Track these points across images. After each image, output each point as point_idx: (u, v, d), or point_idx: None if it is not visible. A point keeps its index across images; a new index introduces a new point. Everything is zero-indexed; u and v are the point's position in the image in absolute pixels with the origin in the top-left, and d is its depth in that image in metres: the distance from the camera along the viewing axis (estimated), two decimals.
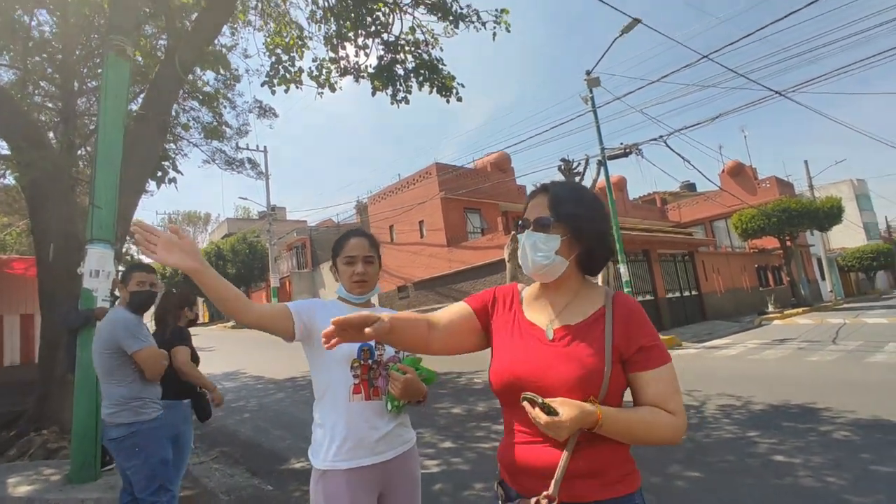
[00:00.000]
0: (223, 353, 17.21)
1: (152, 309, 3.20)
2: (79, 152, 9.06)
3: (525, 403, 1.09)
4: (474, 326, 1.33)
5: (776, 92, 12.59)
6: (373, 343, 1.71)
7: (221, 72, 7.38)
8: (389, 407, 1.70)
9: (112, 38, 4.20)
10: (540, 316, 1.26)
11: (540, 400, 1.06)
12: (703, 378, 7.74)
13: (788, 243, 22.76)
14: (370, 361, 1.71)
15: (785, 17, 9.07)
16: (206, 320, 48.27)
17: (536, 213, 1.25)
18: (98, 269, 3.89)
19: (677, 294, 17.79)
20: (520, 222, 1.30)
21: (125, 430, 2.69)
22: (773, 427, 5.07)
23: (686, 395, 6.80)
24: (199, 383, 3.26)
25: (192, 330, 3.48)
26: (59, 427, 5.26)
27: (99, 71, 6.99)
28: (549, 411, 1.05)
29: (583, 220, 1.22)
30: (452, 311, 1.34)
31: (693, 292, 18.69)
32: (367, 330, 1.06)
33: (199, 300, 49.66)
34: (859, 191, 44.77)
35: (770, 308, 19.63)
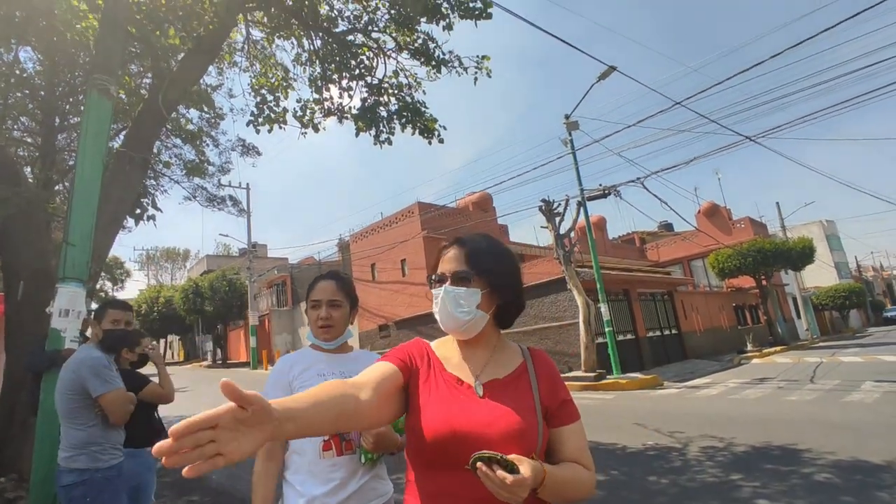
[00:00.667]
0: (196, 394, 16.65)
1: None
2: (56, 188, 8.95)
3: (479, 464, 0.96)
4: (398, 385, 1.16)
5: (747, 137, 13.11)
6: None
7: (206, 111, 7.42)
8: (363, 460, 1.63)
9: (95, 76, 4.22)
10: (462, 372, 1.20)
11: (499, 456, 0.96)
12: (686, 419, 7.71)
13: (764, 282, 23.24)
14: None
15: (751, 67, 9.53)
16: (182, 359, 46.94)
17: (453, 267, 1.20)
18: (68, 309, 3.77)
19: (657, 333, 17.89)
20: (434, 277, 1.24)
21: (77, 476, 2.53)
22: (755, 469, 5.04)
23: (669, 436, 6.75)
24: (168, 387, 3.15)
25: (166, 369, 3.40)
26: (18, 475, 4.98)
27: (81, 108, 6.98)
28: (511, 469, 0.96)
29: (500, 274, 1.21)
30: (377, 372, 1.14)
31: (673, 331, 18.82)
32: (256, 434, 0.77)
33: (150, 340, 48.38)
34: (829, 231, 46.22)
35: (749, 347, 19.82)
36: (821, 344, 23.97)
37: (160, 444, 0.68)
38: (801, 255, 23.03)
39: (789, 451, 5.63)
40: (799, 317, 30.03)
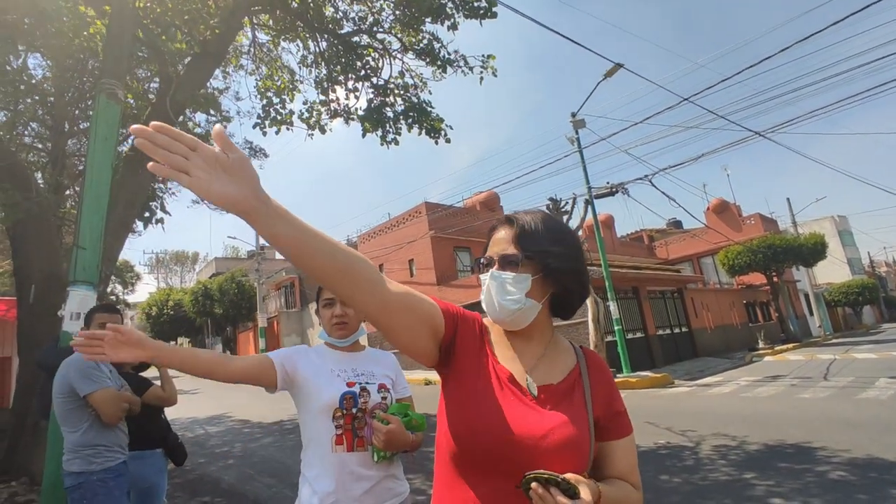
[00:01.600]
0: (207, 396, 16.76)
1: None
2: (67, 192, 9.04)
3: (534, 485, 0.85)
4: (434, 329, 1.02)
5: (756, 133, 12.98)
6: (356, 390, 1.66)
7: (212, 114, 7.47)
8: (376, 458, 1.61)
9: (104, 81, 4.25)
10: (514, 367, 1.05)
11: (559, 478, 0.85)
12: (698, 417, 7.64)
13: (775, 279, 23.02)
14: (354, 410, 1.64)
15: (759, 62, 9.44)
16: None
17: (501, 249, 1.06)
18: (79, 312, 3.80)
19: (668, 331, 17.78)
20: (482, 260, 1.09)
21: (74, 479, 2.54)
22: (769, 468, 4.98)
23: (681, 435, 6.70)
24: (170, 389, 3.14)
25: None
26: (30, 478, 5.03)
27: (90, 113, 7.05)
28: (572, 493, 0.85)
29: (555, 256, 1.03)
30: (416, 294, 1.03)
31: (683, 329, 18.69)
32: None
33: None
34: (841, 227, 45.70)
35: (760, 344, 19.65)
36: (834, 341, 23.71)
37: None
38: (812, 251, 22.78)
39: (803, 449, 5.56)
40: (811, 313, 29.71)
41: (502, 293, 1.02)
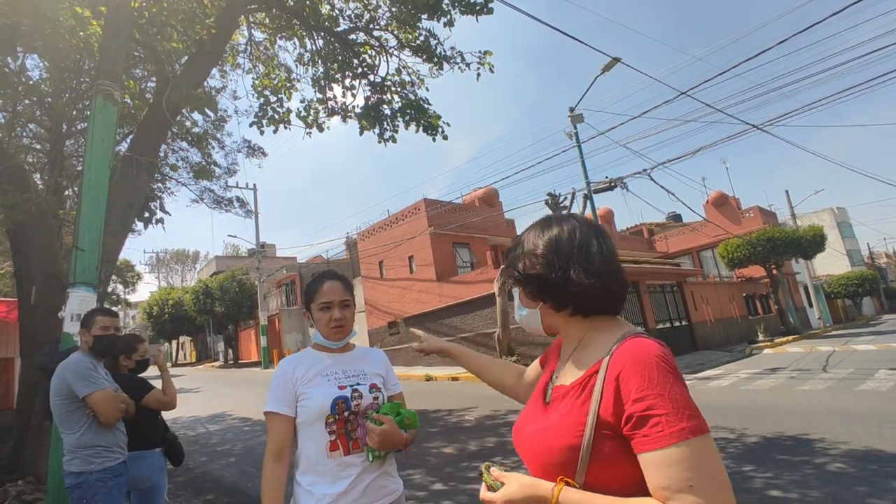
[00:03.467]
0: (209, 395, 16.81)
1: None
2: (66, 193, 9.04)
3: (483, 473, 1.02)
4: (536, 372, 1.38)
5: (754, 126, 12.98)
6: (348, 394, 1.66)
7: (208, 114, 7.47)
8: (371, 458, 1.64)
9: (100, 82, 4.25)
10: (557, 368, 1.14)
11: (486, 471, 1.01)
12: None
13: (774, 272, 23.04)
14: (346, 414, 1.64)
15: (757, 55, 9.43)
16: (194, 360, 47.37)
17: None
18: (79, 313, 3.82)
19: (668, 325, 17.81)
20: None
21: (74, 479, 2.58)
22: (767, 461, 5.01)
23: None
24: (171, 392, 3.17)
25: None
26: (35, 477, 5.06)
27: (87, 114, 7.05)
28: (492, 487, 0.98)
29: (520, 268, 1.09)
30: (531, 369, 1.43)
31: (683, 322, 18.72)
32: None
33: (149, 344, 48.77)
34: (840, 218, 45.72)
35: (760, 337, 19.68)
36: (833, 332, 23.75)
37: None
38: (811, 244, 22.78)
39: (802, 441, 5.59)
40: (811, 305, 29.75)
41: (516, 304, 1.17)
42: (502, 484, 0.97)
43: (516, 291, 1.14)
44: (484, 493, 1.00)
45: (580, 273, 1.01)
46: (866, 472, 4.42)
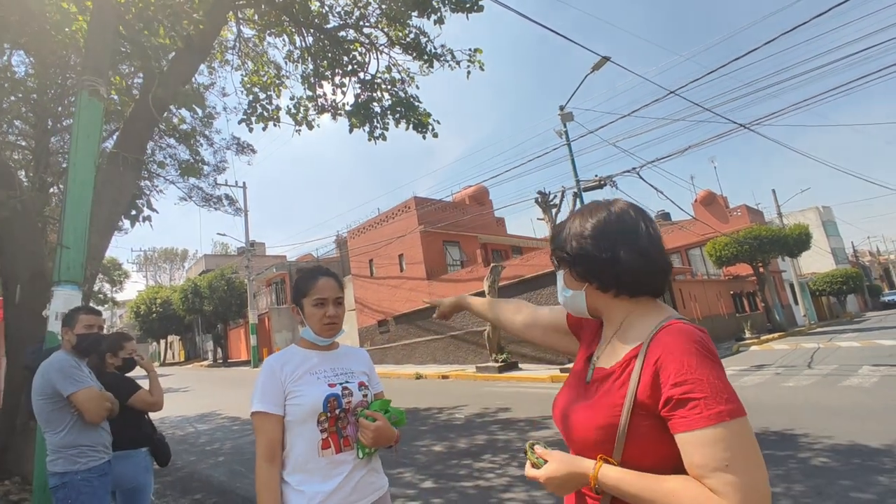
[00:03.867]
0: (197, 394, 16.69)
1: None
2: (51, 190, 8.93)
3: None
4: (563, 327, 1.41)
5: (741, 125, 13.11)
6: (338, 391, 1.66)
7: (197, 110, 7.40)
8: (360, 455, 1.64)
9: (86, 78, 4.20)
10: (598, 349, 1.15)
11: (531, 449, 1.07)
12: None
13: (761, 270, 23.31)
14: (338, 411, 1.64)
15: (745, 54, 9.52)
16: (182, 359, 46.97)
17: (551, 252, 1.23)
18: (64, 312, 3.77)
19: None
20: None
21: (58, 479, 2.55)
22: None
23: None
24: (158, 393, 3.14)
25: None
26: (21, 478, 5.00)
27: (73, 110, 6.96)
28: (535, 465, 1.04)
29: (568, 249, 1.11)
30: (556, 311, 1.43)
31: None
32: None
33: (138, 343, 48.33)
34: (825, 217, 46.34)
35: (747, 334, 19.90)
36: (818, 330, 24.07)
37: None
38: (797, 242, 23.09)
39: (787, 437, 5.67)
40: (796, 303, 30.14)
41: (560, 288, 1.19)
42: (545, 462, 1.03)
43: (561, 273, 1.17)
44: (528, 471, 1.05)
45: (629, 252, 1.04)
46: (850, 467, 4.49)
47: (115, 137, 7.27)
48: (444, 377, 15.20)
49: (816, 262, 40.31)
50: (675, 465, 0.91)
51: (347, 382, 1.70)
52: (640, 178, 14.82)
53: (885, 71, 10.90)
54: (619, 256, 1.04)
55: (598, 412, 0.99)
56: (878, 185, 55.81)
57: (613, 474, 0.93)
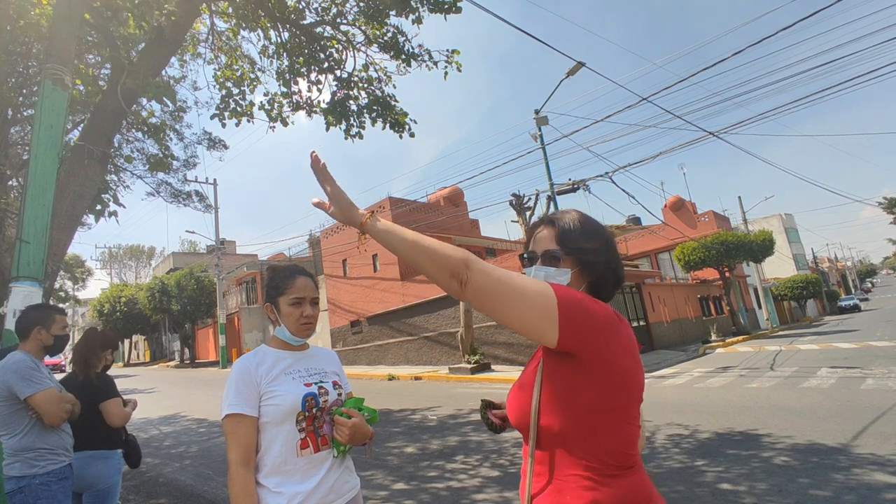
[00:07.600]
0: (162, 395, 16.25)
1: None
2: (10, 182, 8.57)
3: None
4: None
5: (710, 133, 13.46)
6: (314, 390, 1.64)
7: (167, 103, 7.21)
8: (336, 453, 1.64)
9: (49, 66, 4.05)
10: None
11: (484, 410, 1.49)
12: (653, 408, 7.90)
13: (727, 274, 23.98)
14: (315, 410, 1.62)
15: (714, 64, 9.78)
16: (148, 359, 45.66)
17: (544, 246, 1.24)
18: (21, 309, 3.62)
19: None
20: (525, 255, 1.29)
21: (15, 483, 2.44)
22: (718, 455, 5.21)
23: None
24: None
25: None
26: None
27: (34, 99, 6.69)
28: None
29: (591, 252, 1.20)
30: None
31: (641, 322, 19.26)
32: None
33: (123, 342, 47.01)
34: (788, 224, 47.93)
35: (713, 337, 20.44)
36: (780, 333, 24.89)
37: None
38: (761, 248, 23.85)
39: (750, 437, 5.84)
40: (760, 307, 31.08)
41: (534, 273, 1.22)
42: (490, 421, 1.47)
43: (563, 273, 1.20)
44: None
45: (619, 270, 1.24)
46: (808, 465, 4.65)
47: (80, 129, 7.01)
48: (417, 378, 15.16)
49: (779, 267, 41.67)
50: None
51: (322, 382, 1.69)
52: (613, 182, 15.09)
53: (844, 85, 11.35)
54: (619, 272, 1.25)
55: (515, 395, 1.19)
56: (838, 193, 58.16)
57: (378, 220, 1.18)
